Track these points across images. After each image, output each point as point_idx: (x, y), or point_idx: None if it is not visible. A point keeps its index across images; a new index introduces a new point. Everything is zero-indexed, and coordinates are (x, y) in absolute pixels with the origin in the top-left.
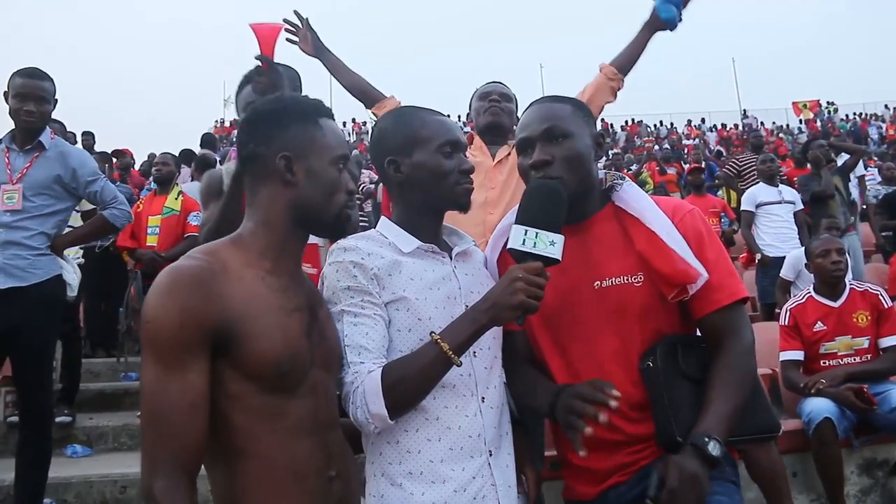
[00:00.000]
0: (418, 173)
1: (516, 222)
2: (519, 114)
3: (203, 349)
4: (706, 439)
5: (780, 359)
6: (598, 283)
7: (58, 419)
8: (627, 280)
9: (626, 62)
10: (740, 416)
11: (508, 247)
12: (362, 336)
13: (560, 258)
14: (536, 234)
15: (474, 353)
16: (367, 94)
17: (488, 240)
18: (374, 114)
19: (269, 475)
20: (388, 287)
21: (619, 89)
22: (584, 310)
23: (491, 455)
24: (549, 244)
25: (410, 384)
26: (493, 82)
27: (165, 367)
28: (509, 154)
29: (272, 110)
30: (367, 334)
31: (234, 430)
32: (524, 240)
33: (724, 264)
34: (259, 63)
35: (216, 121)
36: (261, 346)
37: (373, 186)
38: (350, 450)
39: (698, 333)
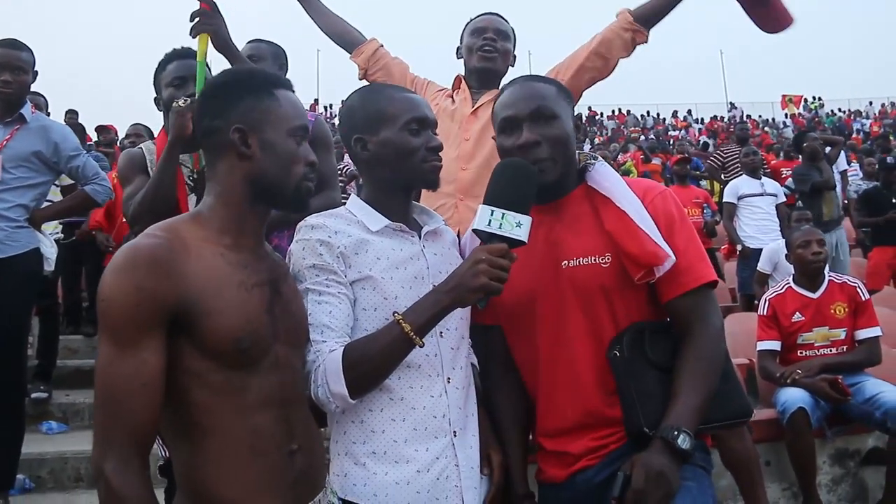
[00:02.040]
0: (385, 151)
1: (484, 202)
2: (512, 62)
3: (159, 328)
4: (675, 433)
5: (757, 348)
6: (566, 262)
7: (34, 395)
8: (595, 260)
9: (654, 9)
10: (711, 402)
11: (474, 227)
12: (325, 315)
13: (526, 240)
14: (503, 214)
15: (440, 333)
16: (346, 37)
17: (459, 200)
18: (354, 62)
19: (228, 451)
20: (354, 266)
21: (638, 42)
22: (552, 290)
23: (455, 436)
24: (516, 225)
25: (371, 364)
26: (489, 13)
27: (120, 346)
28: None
29: (225, 83)
30: (330, 313)
31: (194, 407)
32: (490, 220)
33: (694, 248)
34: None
35: None
36: (220, 323)
37: (356, 169)
38: (314, 424)
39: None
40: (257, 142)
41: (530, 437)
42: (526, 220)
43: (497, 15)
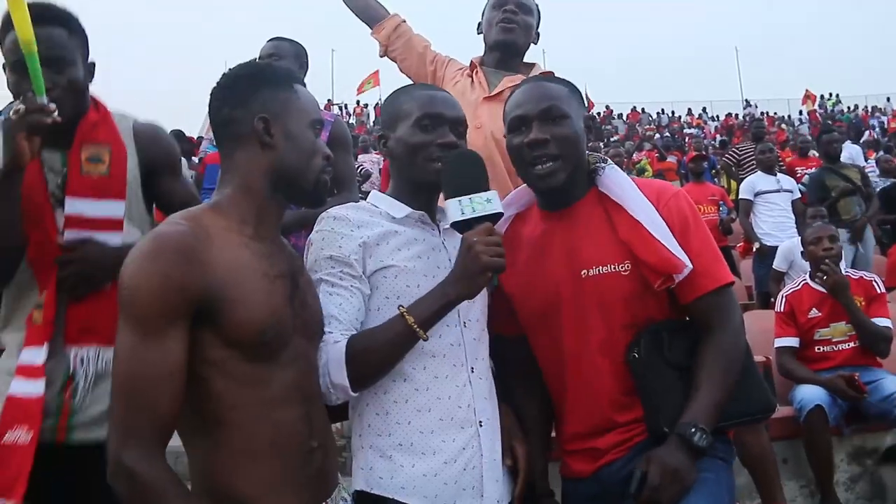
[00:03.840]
0: (398, 148)
1: (445, 198)
2: (540, 30)
3: (183, 317)
4: (692, 430)
5: (775, 345)
6: (585, 271)
7: None
8: (615, 269)
9: None
10: (731, 399)
11: (450, 222)
12: (335, 307)
13: (503, 210)
14: (470, 199)
15: (464, 323)
16: (368, 12)
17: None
18: (374, 38)
19: (248, 446)
20: (376, 255)
21: None
22: (572, 299)
23: (481, 426)
24: (486, 202)
25: (375, 356)
26: None
27: (143, 334)
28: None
29: (247, 74)
30: (340, 305)
31: (214, 399)
32: (461, 210)
33: (709, 249)
34: None
35: None
36: (245, 313)
37: (370, 168)
38: (329, 421)
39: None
40: (281, 132)
41: (552, 434)
42: (493, 194)
43: None
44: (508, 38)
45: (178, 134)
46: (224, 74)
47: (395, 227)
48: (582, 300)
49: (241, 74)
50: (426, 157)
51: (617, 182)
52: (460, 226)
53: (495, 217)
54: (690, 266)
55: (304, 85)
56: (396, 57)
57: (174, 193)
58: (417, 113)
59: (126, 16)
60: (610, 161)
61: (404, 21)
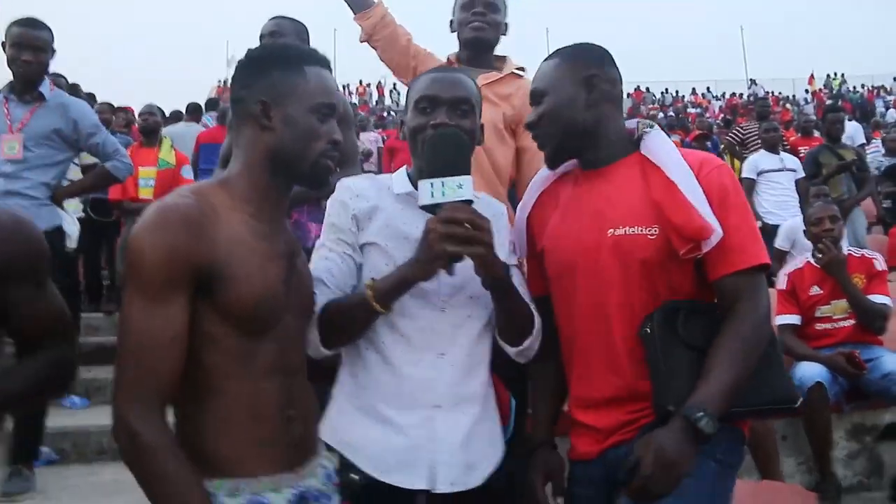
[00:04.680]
0: (406, 132)
1: (421, 178)
2: (508, 20)
3: (187, 287)
4: (699, 414)
5: (777, 323)
6: (612, 230)
7: None
8: (642, 231)
9: None
10: (747, 386)
11: (419, 205)
12: (325, 271)
13: (472, 198)
14: (442, 182)
15: (442, 308)
16: None
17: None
18: (358, 24)
19: (232, 413)
20: (365, 230)
21: None
22: (596, 258)
23: (438, 409)
24: (457, 188)
25: (340, 320)
26: None
27: (150, 300)
28: (495, 81)
29: (258, 56)
30: (329, 269)
31: (203, 370)
32: (432, 192)
33: (748, 227)
34: None
35: (219, 80)
36: (243, 289)
37: (371, 147)
38: (313, 396)
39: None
40: (279, 116)
41: (564, 407)
42: (466, 180)
43: None
44: (481, 37)
45: (195, 106)
46: (245, 54)
47: (391, 204)
48: (603, 260)
49: (254, 56)
50: (424, 139)
51: (659, 145)
52: (429, 209)
53: (465, 204)
54: (720, 233)
55: (325, 65)
56: (378, 46)
57: (30, 311)
58: (416, 96)
59: (126, 16)
60: (656, 126)
61: (388, 11)
